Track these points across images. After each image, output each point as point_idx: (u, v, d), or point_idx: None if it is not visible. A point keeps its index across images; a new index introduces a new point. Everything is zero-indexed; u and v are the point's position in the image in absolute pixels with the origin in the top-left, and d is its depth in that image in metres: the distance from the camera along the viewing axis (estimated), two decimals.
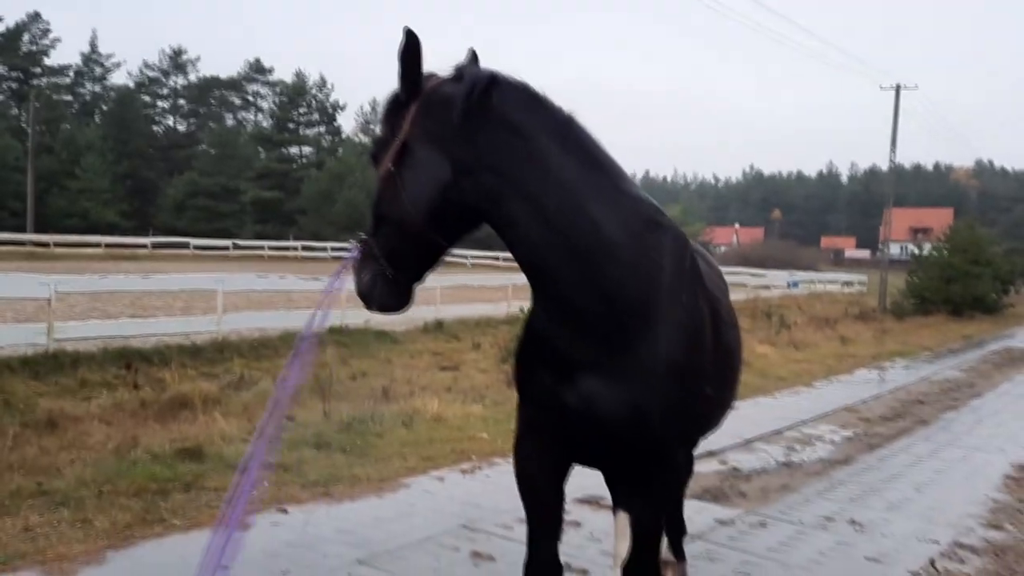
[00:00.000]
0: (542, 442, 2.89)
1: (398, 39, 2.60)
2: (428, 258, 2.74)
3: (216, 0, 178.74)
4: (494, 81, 2.59)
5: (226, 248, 53.15)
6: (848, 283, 45.22)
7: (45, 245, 45.92)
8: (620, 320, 2.58)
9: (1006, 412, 11.16)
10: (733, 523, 5.80)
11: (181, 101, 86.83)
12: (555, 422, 2.77)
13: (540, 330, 2.77)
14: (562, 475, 2.98)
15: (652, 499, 2.90)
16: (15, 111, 72.04)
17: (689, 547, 5.16)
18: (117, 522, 5.15)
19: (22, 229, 51.59)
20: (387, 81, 2.71)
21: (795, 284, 41.37)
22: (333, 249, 50.75)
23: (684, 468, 3.00)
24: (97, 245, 47.55)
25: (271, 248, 54.58)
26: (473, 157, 2.57)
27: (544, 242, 2.55)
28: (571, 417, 2.69)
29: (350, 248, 2.82)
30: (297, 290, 16.85)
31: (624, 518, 4.56)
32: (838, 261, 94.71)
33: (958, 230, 32.51)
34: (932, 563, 5.16)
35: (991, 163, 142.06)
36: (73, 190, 61.74)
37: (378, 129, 2.78)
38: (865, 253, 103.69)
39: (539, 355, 2.78)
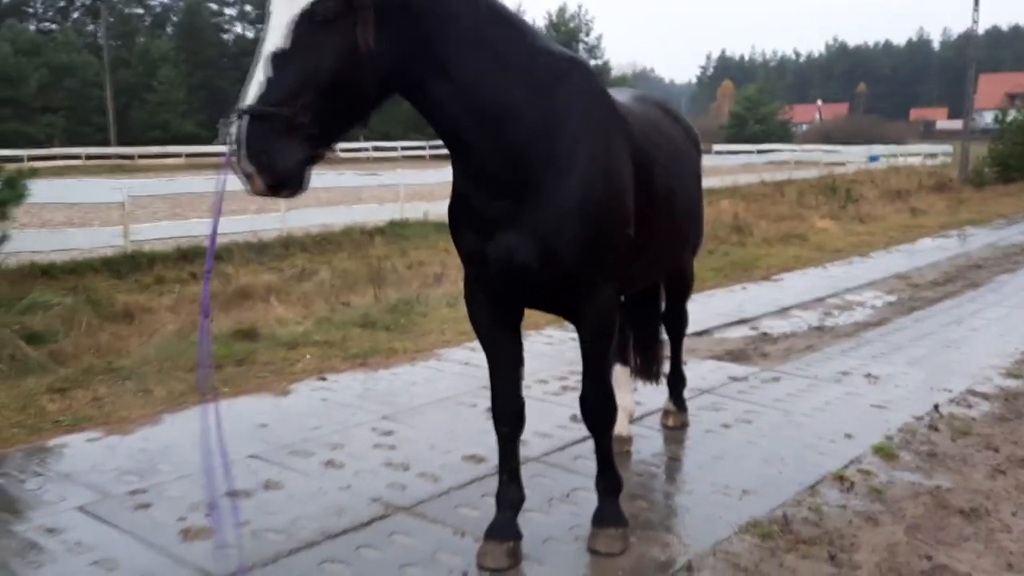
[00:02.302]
0: (485, 291, 3.17)
1: None
2: (343, 134, 2.66)
3: None
4: None
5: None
6: (931, 155, 43.28)
7: (130, 158, 47.61)
8: (527, 176, 2.82)
9: None
10: (746, 379, 6.03)
11: (248, 8, 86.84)
12: (486, 274, 3.04)
13: (462, 193, 3.01)
14: (511, 316, 3.26)
15: (588, 330, 3.16)
16: (90, 27, 73.47)
17: (697, 400, 5.46)
18: (173, 391, 5.72)
19: (107, 143, 53.53)
20: None
21: (875, 159, 39.92)
22: (403, 148, 51.11)
23: (613, 299, 3.20)
24: (178, 155, 49.05)
25: (343, 149, 55.11)
26: (411, 32, 2.63)
27: (457, 113, 2.74)
28: (495, 267, 2.97)
29: (234, 129, 2.43)
30: (357, 185, 17.32)
31: (622, 371, 4.87)
32: (928, 133, 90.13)
33: None
34: (936, 407, 5.31)
35: None
36: (152, 103, 63.28)
37: None
38: (957, 124, 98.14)
39: (464, 216, 3.04)
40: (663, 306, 4.86)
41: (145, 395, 5.67)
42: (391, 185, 19.15)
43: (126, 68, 62.93)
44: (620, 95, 3.54)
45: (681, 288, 4.76)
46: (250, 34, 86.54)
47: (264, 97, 2.40)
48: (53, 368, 6.37)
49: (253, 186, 2.42)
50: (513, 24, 2.86)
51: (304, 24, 2.42)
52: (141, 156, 47.93)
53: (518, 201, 2.85)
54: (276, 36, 2.44)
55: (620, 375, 4.76)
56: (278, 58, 2.41)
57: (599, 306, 3.10)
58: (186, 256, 12.52)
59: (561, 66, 2.93)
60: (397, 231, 16.11)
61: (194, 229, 13.87)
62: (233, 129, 2.40)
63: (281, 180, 2.42)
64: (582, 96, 2.94)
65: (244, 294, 10.15)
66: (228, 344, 6.98)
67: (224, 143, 2.43)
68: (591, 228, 2.89)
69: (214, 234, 2.72)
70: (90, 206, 16.51)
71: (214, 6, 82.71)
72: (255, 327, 7.61)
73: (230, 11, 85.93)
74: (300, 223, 15.22)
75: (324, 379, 6.07)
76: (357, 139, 61.13)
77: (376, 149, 55.80)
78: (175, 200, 18.83)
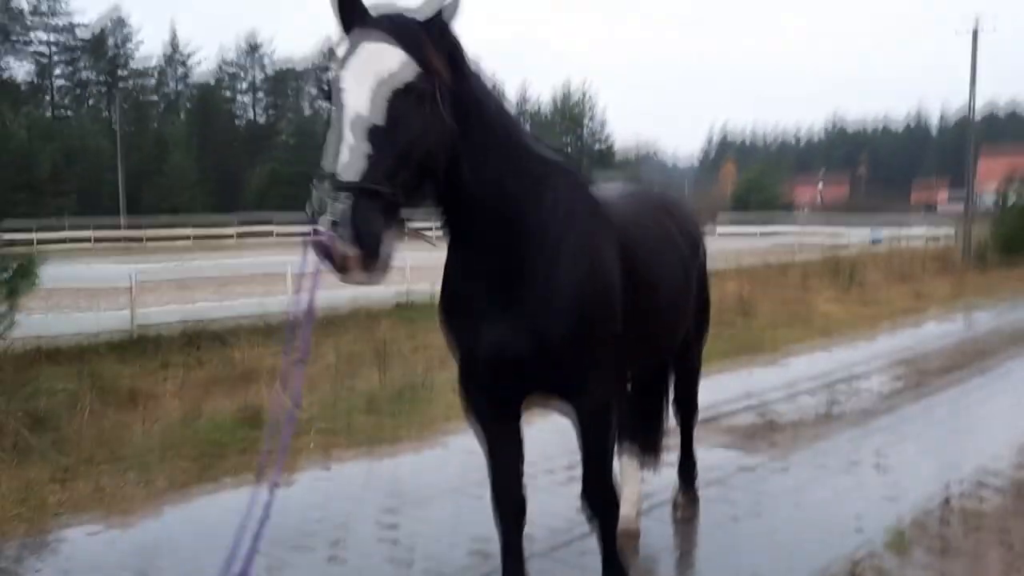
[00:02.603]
0: (478, 383, 3.18)
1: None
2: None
3: None
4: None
5: (307, 233, 54.70)
6: (935, 237, 43.54)
7: (139, 240, 48.25)
8: (521, 267, 2.88)
9: None
10: (755, 469, 5.96)
11: (260, 94, 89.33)
12: (479, 366, 3.07)
13: (454, 285, 3.08)
14: (509, 406, 3.25)
15: (584, 422, 3.16)
16: (105, 114, 75.41)
17: (706, 490, 5.40)
18: (175, 481, 5.67)
19: (117, 225, 54.33)
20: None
21: (877, 239, 40.16)
22: (410, 227, 51.68)
23: (607, 391, 3.20)
24: (186, 237, 49.71)
25: None
26: (461, 110, 2.65)
27: (471, 196, 2.81)
28: (487, 360, 3.00)
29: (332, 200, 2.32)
30: None
31: (629, 461, 4.82)
32: (929, 214, 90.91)
33: None
34: (947, 500, 5.23)
35: None
36: (163, 185, 64.54)
37: (400, 47, 2.45)
38: (958, 204, 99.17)
39: (455, 308, 3.10)
40: (671, 393, 4.86)
41: (147, 485, 5.62)
42: (398, 267, 19.29)
43: (138, 151, 64.31)
44: (610, 191, 3.60)
45: (686, 377, 4.77)
46: (261, 119, 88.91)
47: (368, 174, 2.30)
48: (55, 456, 6.33)
49: (347, 267, 2.29)
50: (513, 119, 3.01)
51: (401, 99, 2.37)
52: (149, 238, 48.55)
53: (509, 293, 2.90)
54: (370, 109, 2.35)
55: (627, 466, 4.72)
56: (376, 133, 2.33)
57: (593, 399, 3.11)
58: (191, 340, 12.54)
59: (550, 163, 3.04)
60: (403, 312, 16.15)
61: (201, 312, 13.97)
62: (336, 206, 2.28)
63: (381, 263, 2.33)
64: (571, 193, 3.03)
65: (247, 378, 10.14)
66: (231, 431, 6.95)
67: (317, 217, 2.30)
68: (580, 322, 2.94)
69: (309, 315, 2.74)
70: (98, 288, 16.65)
71: (227, 92, 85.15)
72: (258, 412, 7.58)
73: (243, 97, 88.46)
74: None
75: (328, 468, 6.02)
76: None
77: None
78: (182, 282, 19.01)
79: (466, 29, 2.70)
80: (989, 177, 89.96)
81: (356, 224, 2.24)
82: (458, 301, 3.06)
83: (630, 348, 3.29)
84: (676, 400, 4.83)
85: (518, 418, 3.31)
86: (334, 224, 2.27)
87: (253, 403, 8.24)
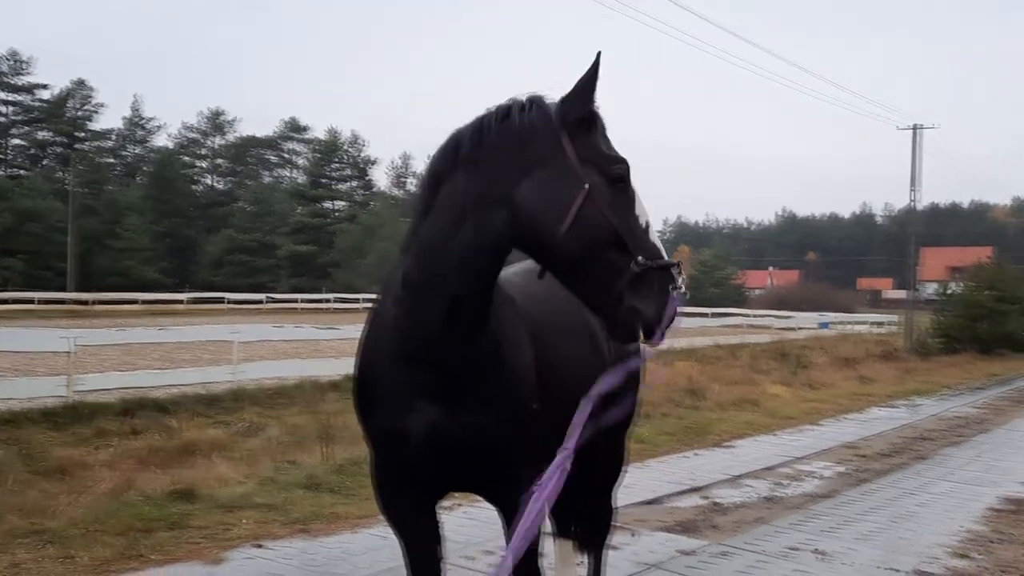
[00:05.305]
0: (399, 472, 2.98)
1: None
2: None
3: (255, 62, 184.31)
4: None
5: (260, 302, 54.18)
6: (879, 324, 44.66)
7: (85, 303, 47.22)
8: (461, 340, 2.75)
9: (1009, 447, 11.07)
10: (695, 553, 5.92)
11: (220, 161, 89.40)
12: (403, 452, 2.88)
13: (382, 362, 2.88)
14: (429, 497, 3.11)
15: (510, 511, 3.05)
16: (59, 174, 74.66)
17: (645, 575, 5.32)
18: (97, 557, 5.43)
19: (65, 288, 53.20)
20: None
21: (826, 325, 41.02)
22: (365, 300, 51.33)
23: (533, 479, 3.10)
24: (135, 302, 48.78)
25: (304, 301, 55.48)
26: None
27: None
28: (416, 444, 2.82)
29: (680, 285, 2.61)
30: (312, 339, 17.24)
31: (564, 545, 4.73)
32: (875, 302, 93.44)
33: (984, 268, 32.13)
34: None
35: None
36: (115, 249, 63.60)
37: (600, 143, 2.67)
38: (902, 294, 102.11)
39: (382, 388, 2.89)
40: (610, 479, 4.69)
41: (67, 562, 5.37)
42: (350, 338, 19.11)
43: (92, 215, 63.56)
44: (508, 269, 3.37)
45: (606, 470, 4.34)
46: (220, 185, 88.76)
47: None
48: None
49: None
50: None
51: None
52: (96, 302, 47.56)
53: (451, 380, 2.84)
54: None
55: (563, 549, 4.63)
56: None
57: (521, 485, 3.04)
58: (129, 410, 12.18)
59: None
60: (350, 385, 15.93)
61: (142, 379, 13.63)
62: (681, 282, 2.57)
63: None
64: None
65: (187, 450, 9.85)
66: (162, 505, 6.72)
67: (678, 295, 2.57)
68: (519, 411, 2.88)
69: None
70: (36, 353, 16.18)
71: (186, 158, 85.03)
72: (193, 487, 7.35)
73: (201, 163, 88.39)
74: (253, 375, 15.01)
75: (261, 546, 5.83)
76: (319, 291, 61.78)
77: (338, 300, 56.20)
78: (127, 348, 18.58)
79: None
80: (932, 270, 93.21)
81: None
82: (386, 379, 2.90)
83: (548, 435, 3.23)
84: (590, 500, 4.36)
85: (436, 511, 3.20)
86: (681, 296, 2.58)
87: (188, 476, 8.01)
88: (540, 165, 2.60)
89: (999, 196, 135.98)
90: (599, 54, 2.65)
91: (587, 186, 2.54)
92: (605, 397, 2.99)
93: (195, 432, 10.66)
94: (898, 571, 5.63)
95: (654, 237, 2.62)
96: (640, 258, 2.52)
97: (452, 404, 2.80)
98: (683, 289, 2.57)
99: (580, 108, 2.63)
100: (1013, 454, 10.50)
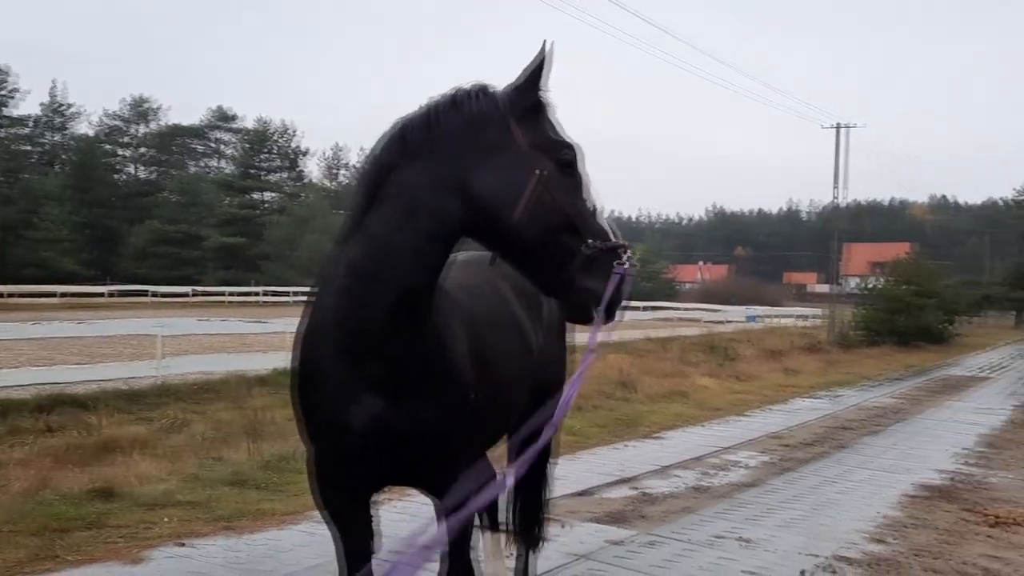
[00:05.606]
0: (338, 466, 2.95)
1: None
2: None
3: (181, 49, 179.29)
4: None
5: (186, 295, 52.82)
6: (804, 317, 45.93)
7: (0, 295, 45.34)
8: (407, 327, 2.70)
9: (924, 435, 11.51)
10: (623, 543, 5.98)
11: (144, 149, 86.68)
12: (344, 445, 2.84)
13: (325, 354, 2.80)
14: (366, 491, 3.08)
15: (448, 503, 3.06)
16: None
17: (574, 566, 5.37)
18: (9, 559, 5.21)
19: None
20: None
21: (753, 319, 41.99)
22: (295, 294, 50.45)
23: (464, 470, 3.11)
24: (53, 295, 47.04)
25: (233, 294, 54.27)
26: None
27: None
28: (358, 436, 2.78)
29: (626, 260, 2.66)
30: (240, 333, 16.88)
31: (493, 538, 4.74)
32: (801, 296, 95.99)
33: (903, 263, 33.37)
34: (803, 574, 5.38)
35: (945, 198, 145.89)
36: (32, 239, 61.11)
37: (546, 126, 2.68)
38: (826, 288, 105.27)
39: (324, 379, 2.82)
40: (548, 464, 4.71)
41: None
42: (279, 332, 18.75)
43: (8, 204, 60.95)
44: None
45: (536, 462, 4.17)
46: (144, 175, 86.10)
47: None
48: None
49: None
50: None
51: None
52: (12, 295, 45.71)
53: (390, 363, 2.78)
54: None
55: (492, 543, 4.63)
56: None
57: (458, 476, 3.03)
58: (45, 406, 11.73)
59: None
60: (282, 380, 15.62)
61: (60, 375, 13.16)
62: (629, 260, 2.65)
63: None
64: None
65: (107, 447, 9.53)
66: (79, 505, 6.48)
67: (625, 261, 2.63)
68: (457, 393, 2.86)
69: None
70: None
71: (109, 146, 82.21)
72: (113, 485, 7.12)
73: (125, 152, 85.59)
74: (178, 370, 14.61)
75: (183, 544, 5.68)
76: (248, 284, 60.52)
77: (268, 293, 55.15)
78: (44, 343, 17.88)
79: None
80: (855, 264, 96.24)
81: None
82: (330, 378, 2.80)
83: (481, 420, 3.22)
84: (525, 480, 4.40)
85: (371, 505, 3.17)
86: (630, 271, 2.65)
87: (108, 474, 7.75)
88: (492, 152, 2.61)
89: (918, 194, 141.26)
90: (546, 43, 2.66)
91: (539, 172, 2.57)
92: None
93: (116, 429, 10.32)
94: (818, 556, 5.80)
95: (603, 220, 2.67)
96: (591, 240, 2.58)
97: (396, 396, 2.76)
98: (633, 268, 2.66)
99: (529, 95, 2.66)
100: (928, 442, 10.92)
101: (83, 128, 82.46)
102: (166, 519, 6.24)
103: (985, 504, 7.54)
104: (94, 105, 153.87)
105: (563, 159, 2.64)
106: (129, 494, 6.92)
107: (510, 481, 3.64)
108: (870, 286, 33.03)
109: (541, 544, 4.72)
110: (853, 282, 59.93)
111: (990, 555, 6.06)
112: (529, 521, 4.53)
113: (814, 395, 16.01)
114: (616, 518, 6.71)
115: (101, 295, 50.45)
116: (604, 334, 2.67)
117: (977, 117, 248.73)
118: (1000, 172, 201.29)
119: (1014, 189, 73.33)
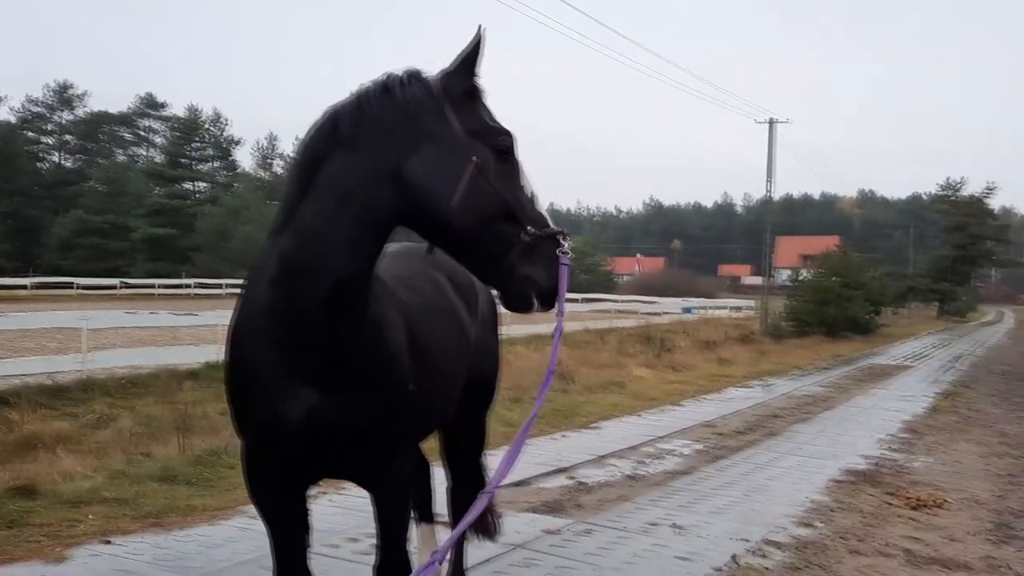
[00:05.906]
0: (272, 460, 2.88)
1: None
2: None
3: (106, 34, 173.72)
4: None
5: (114, 287, 51.28)
6: (737, 308, 46.91)
7: None
8: (340, 318, 2.63)
9: (851, 422, 11.86)
10: (559, 532, 6.02)
11: (68, 137, 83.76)
12: (278, 439, 2.77)
13: (256, 347, 2.74)
14: (301, 486, 3.02)
15: (385, 496, 3.01)
16: None
17: (510, 555, 5.38)
18: None
19: None
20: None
21: (688, 310, 42.68)
22: (228, 286, 49.40)
23: (406, 464, 3.09)
24: None
25: (163, 286, 52.89)
26: None
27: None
28: (293, 430, 2.71)
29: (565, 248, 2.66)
30: (170, 326, 16.46)
31: (428, 529, 4.71)
32: (735, 288, 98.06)
33: (832, 256, 34.31)
34: (734, 558, 5.49)
35: (872, 193, 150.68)
36: None
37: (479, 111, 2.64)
38: (759, 280, 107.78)
39: (256, 373, 2.74)
40: (475, 458, 4.68)
41: None
42: (211, 325, 18.34)
43: None
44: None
45: (472, 445, 4.38)
46: (68, 163, 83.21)
47: None
48: None
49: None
50: None
51: None
52: None
53: (326, 355, 2.68)
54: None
55: (426, 533, 4.61)
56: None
57: (398, 469, 2.99)
58: None
59: None
60: (213, 374, 15.29)
61: None
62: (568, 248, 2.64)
63: None
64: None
65: (28, 444, 9.20)
66: None
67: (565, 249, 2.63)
68: (395, 384, 2.82)
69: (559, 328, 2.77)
70: None
71: (31, 133, 79.20)
72: (34, 483, 6.88)
73: (47, 140, 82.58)
74: (104, 364, 14.18)
75: (109, 542, 5.51)
76: (179, 276, 59.05)
77: (199, 286, 53.91)
78: None
79: None
80: (787, 256, 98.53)
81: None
82: (264, 371, 2.72)
83: (419, 418, 3.19)
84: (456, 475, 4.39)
85: (306, 499, 3.10)
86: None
87: (29, 471, 7.48)
88: (427, 139, 2.55)
89: (847, 188, 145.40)
90: (481, 27, 2.62)
91: (475, 159, 2.53)
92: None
93: (38, 425, 9.97)
94: (748, 541, 5.93)
95: (540, 207, 2.65)
96: (529, 228, 2.55)
97: (332, 388, 2.69)
98: (568, 254, 2.63)
99: (464, 80, 2.61)
100: (854, 429, 11.26)
101: (3, 114, 79.30)
102: (91, 517, 6.05)
103: (907, 488, 7.81)
104: (15, 91, 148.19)
105: (500, 145, 2.60)
106: (52, 492, 6.69)
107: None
108: (800, 278, 33.91)
109: (497, 533, 4.59)
110: (785, 274, 61.42)
111: (911, 536, 6.28)
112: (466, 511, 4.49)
113: (747, 384, 16.35)
114: (552, 507, 6.75)
115: (23, 287, 48.66)
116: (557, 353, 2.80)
117: (903, 114, 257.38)
118: (924, 169, 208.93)
119: (937, 184, 75.97)
